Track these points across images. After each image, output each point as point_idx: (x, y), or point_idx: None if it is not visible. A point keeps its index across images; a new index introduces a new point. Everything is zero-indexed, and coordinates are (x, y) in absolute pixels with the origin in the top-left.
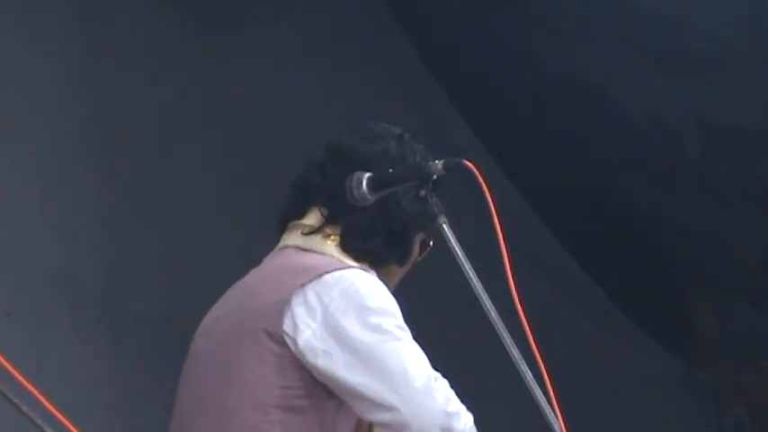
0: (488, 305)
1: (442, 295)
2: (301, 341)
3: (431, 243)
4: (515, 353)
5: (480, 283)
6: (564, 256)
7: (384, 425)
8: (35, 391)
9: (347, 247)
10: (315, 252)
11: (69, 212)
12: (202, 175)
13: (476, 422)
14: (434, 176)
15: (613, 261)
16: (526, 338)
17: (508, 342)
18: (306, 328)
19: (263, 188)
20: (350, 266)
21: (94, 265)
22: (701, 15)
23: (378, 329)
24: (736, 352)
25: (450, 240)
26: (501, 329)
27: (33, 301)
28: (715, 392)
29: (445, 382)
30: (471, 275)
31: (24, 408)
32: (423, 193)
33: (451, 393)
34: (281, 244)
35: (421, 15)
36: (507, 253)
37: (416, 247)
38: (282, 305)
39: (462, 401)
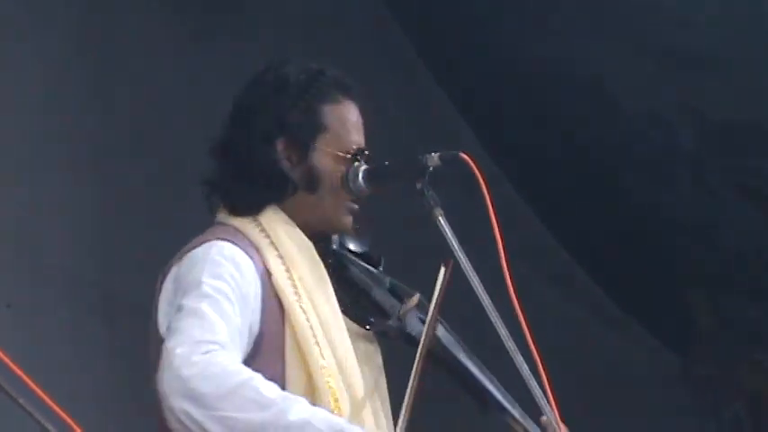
0: (484, 297)
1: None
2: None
3: (354, 152)
4: (511, 345)
5: (476, 275)
6: (560, 250)
7: None
8: (32, 384)
9: (225, 207)
10: (216, 224)
11: (69, 205)
12: (202, 171)
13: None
14: (431, 169)
15: (609, 256)
16: (522, 332)
17: (504, 334)
18: (164, 321)
19: None
20: (204, 240)
21: (93, 259)
22: (699, 10)
23: (178, 309)
24: (734, 347)
25: (445, 232)
26: (497, 322)
27: (33, 293)
28: (713, 388)
29: (193, 348)
30: (467, 267)
31: (22, 400)
32: (419, 185)
33: (200, 356)
34: None
35: (418, 10)
36: (503, 246)
37: (323, 167)
38: (156, 300)
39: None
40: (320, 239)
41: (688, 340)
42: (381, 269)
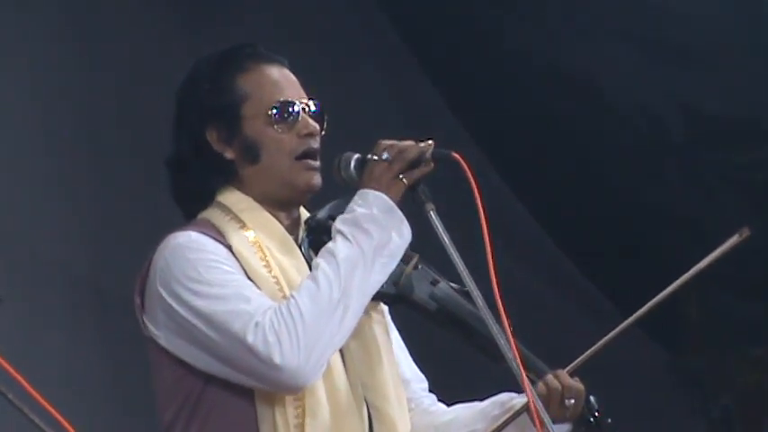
0: (476, 293)
1: None
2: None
3: (279, 104)
4: (502, 340)
5: (467, 271)
6: (549, 244)
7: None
8: (22, 380)
9: (182, 211)
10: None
11: (62, 201)
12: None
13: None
14: (422, 164)
15: (598, 248)
16: (507, 330)
17: (495, 329)
18: (164, 330)
19: None
20: (166, 237)
21: (86, 254)
22: (687, 3)
23: (192, 309)
24: (722, 340)
25: (437, 227)
26: (488, 317)
27: (24, 286)
28: (702, 381)
29: (256, 332)
30: (458, 262)
31: (11, 396)
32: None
33: (270, 334)
34: None
35: (407, 5)
36: (491, 243)
37: (257, 133)
38: (142, 307)
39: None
40: (293, 206)
41: (677, 334)
42: None
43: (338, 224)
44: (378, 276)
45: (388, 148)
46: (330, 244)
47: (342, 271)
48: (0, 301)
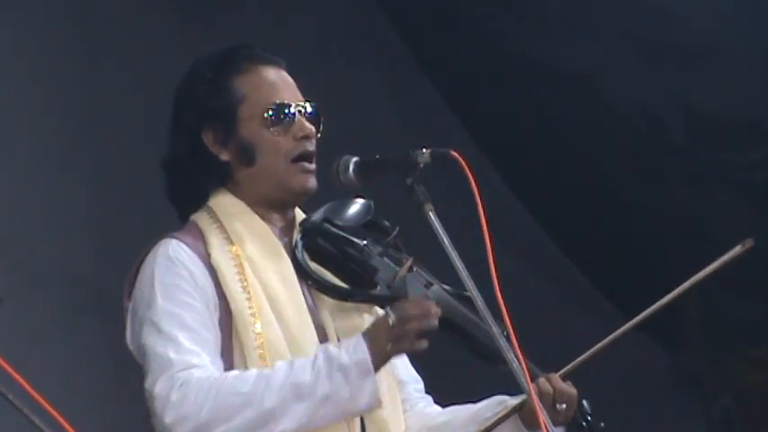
0: (475, 294)
1: None
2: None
3: (276, 106)
4: (502, 342)
5: (467, 272)
6: (549, 244)
7: None
8: (22, 381)
9: (177, 211)
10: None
11: (61, 202)
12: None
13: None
14: (421, 165)
15: (598, 249)
16: (509, 328)
17: (494, 330)
18: (130, 336)
19: None
20: (154, 245)
21: (85, 255)
22: (687, 4)
23: (141, 328)
24: (722, 340)
25: (435, 228)
26: (487, 318)
27: (24, 286)
28: (702, 382)
29: (167, 383)
30: (457, 263)
31: (11, 396)
32: (409, 180)
33: (176, 393)
34: None
35: (407, 5)
36: (491, 243)
37: (253, 135)
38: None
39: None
40: (288, 208)
41: (676, 334)
42: (390, 239)
43: (321, 349)
44: (316, 420)
45: (400, 311)
46: (303, 360)
47: (285, 391)
48: (0, 301)
